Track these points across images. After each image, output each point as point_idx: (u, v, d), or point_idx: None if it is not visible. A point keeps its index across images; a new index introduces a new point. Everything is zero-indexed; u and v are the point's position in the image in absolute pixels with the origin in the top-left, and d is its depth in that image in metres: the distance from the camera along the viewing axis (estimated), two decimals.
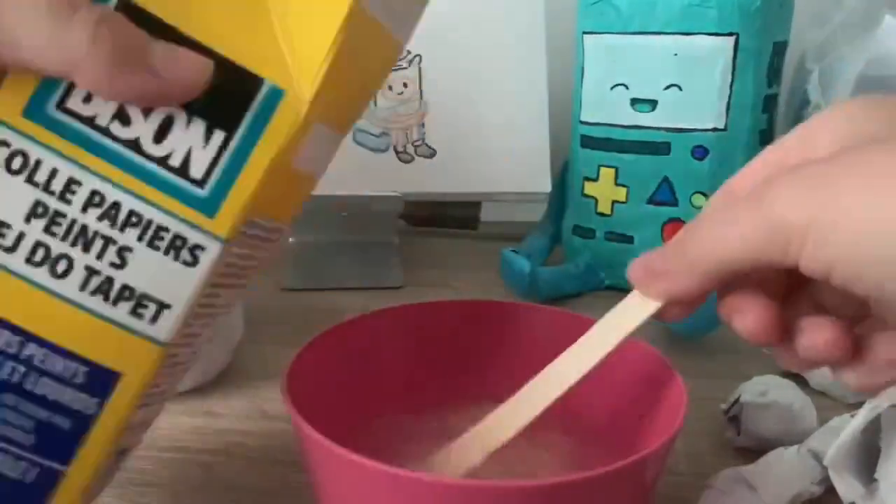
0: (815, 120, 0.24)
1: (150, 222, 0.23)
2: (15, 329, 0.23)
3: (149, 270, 0.23)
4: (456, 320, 0.36)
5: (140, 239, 0.23)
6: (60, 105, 0.23)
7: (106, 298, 0.23)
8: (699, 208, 0.53)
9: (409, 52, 0.62)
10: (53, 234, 0.23)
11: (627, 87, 0.53)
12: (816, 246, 0.21)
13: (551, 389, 0.29)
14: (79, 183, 0.23)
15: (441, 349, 0.36)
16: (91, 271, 0.23)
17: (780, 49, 0.54)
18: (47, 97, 0.23)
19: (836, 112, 0.24)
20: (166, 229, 0.23)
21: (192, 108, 0.23)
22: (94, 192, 0.23)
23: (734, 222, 0.22)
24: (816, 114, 0.24)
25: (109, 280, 0.23)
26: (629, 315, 0.27)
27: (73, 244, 0.23)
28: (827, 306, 0.25)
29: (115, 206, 0.23)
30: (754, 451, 0.36)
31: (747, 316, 0.24)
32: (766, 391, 0.37)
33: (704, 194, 0.53)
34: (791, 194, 0.21)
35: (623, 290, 0.27)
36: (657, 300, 0.26)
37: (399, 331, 0.36)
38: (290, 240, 0.63)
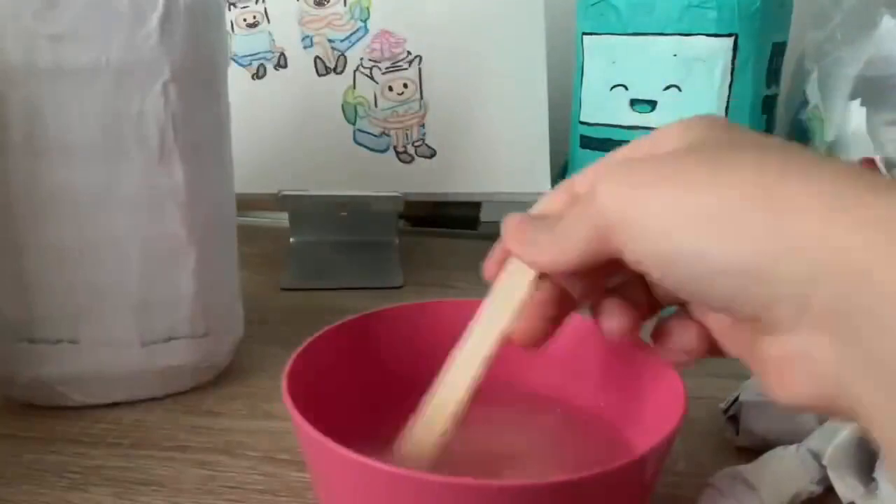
0: (669, 125, 0.25)
1: None
2: None
3: None
4: (455, 320, 0.36)
5: None
6: None
7: None
8: None
9: (409, 53, 0.62)
10: None
11: (627, 88, 0.53)
12: (628, 241, 0.23)
13: (473, 367, 0.29)
14: None
15: (440, 349, 0.36)
16: None
17: (779, 50, 0.54)
18: None
19: (685, 120, 0.25)
20: None
21: None
22: None
23: (578, 217, 0.24)
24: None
25: None
26: (516, 285, 0.28)
27: None
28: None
29: None
30: (753, 450, 0.36)
31: (612, 319, 0.28)
32: None
33: None
34: (610, 190, 0.23)
35: None
36: (530, 267, 0.27)
37: (399, 331, 0.36)
38: (291, 240, 0.64)
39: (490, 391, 0.30)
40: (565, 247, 0.25)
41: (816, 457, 0.33)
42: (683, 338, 0.27)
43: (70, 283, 0.38)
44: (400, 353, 0.36)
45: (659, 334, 0.28)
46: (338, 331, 0.34)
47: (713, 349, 0.27)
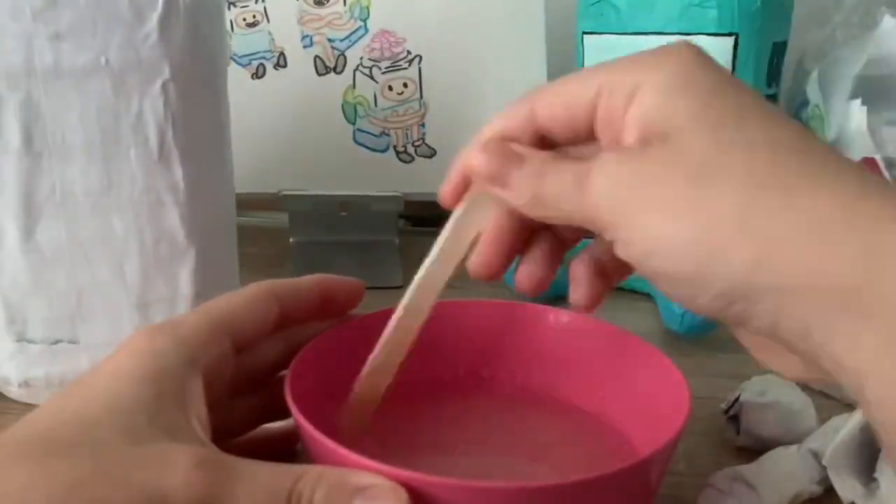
0: (647, 61, 0.24)
1: None
2: None
3: None
4: (455, 320, 0.36)
5: None
6: None
7: None
8: None
9: (409, 53, 0.62)
10: None
11: None
12: (621, 244, 0.23)
13: (426, 298, 0.30)
14: None
15: (441, 348, 0.36)
16: None
17: (779, 49, 0.54)
18: None
19: (666, 72, 0.23)
20: None
21: None
22: None
23: (569, 194, 0.24)
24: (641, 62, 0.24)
25: None
26: (476, 220, 0.28)
27: None
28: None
29: None
30: (754, 450, 0.36)
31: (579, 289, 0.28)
32: (766, 391, 0.37)
33: None
34: (606, 190, 0.23)
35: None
36: (495, 199, 0.26)
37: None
38: (291, 240, 0.63)
39: (490, 390, 0.31)
40: (546, 205, 0.25)
41: (817, 457, 0.33)
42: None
43: (69, 284, 0.38)
44: None
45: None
46: (338, 330, 0.34)
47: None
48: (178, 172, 0.38)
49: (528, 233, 0.28)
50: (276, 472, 0.24)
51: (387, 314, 0.35)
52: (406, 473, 0.24)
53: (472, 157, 0.26)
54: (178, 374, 0.26)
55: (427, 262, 0.29)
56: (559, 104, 0.26)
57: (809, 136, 0.23)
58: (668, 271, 0.23)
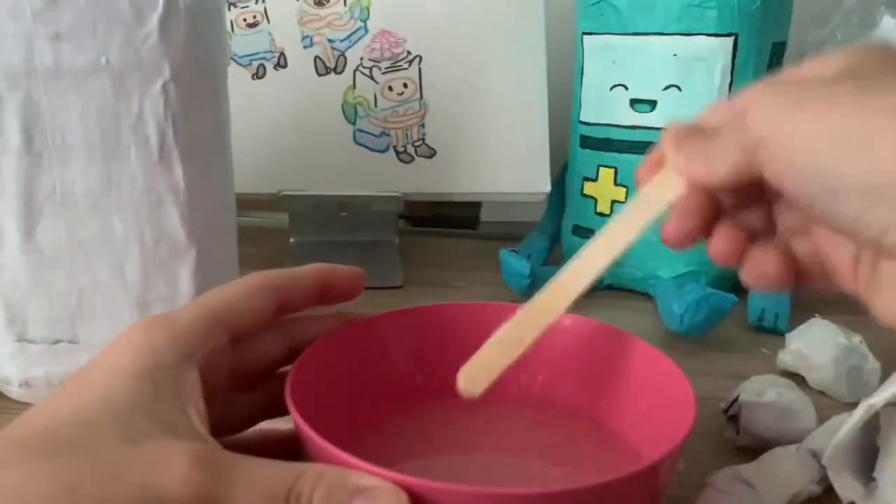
0: (830, 54, 0.26)
1: None
2: None
3: None
4: (460, 323, 0.36)
5: None
6: None
7: None
8: None
9: (409, 53, 0.63)
10: None
11: (627, 88, 0.53)
12: (773, 159, 0.24)
13: (598, 261, 0.30)
14: None
15: (442, 350, 0.36)
16: None
17: (778, 49, 0.54)
18: None
19: (853, 49, 0.25)
20: None
21: None
22: None
23: (730, 135, 0.25)
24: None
25: None
26: (658, 194, 0.29)
27: None
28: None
29: None
30: (753, 450, 0.36)
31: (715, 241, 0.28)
32: (765, 391, 0.37)
33: None
34: (759, 110, 0.24)
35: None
36: (681, 176, 0.28)
37: (400, 333, 0.36)
38: (291, 240, 0.64)
39: (495, 393, 0.30)
40: (717, 163, 0.26)
41: (816, 456, 0.33)
42: (764, 263, 0.28)
43: (69, 284, 0.38)
44: (402, 355, 0.36)
45: (742, 261, 0.29)
46: (340, 334, 0.33)
47: (799, 277, 0.28)
48: (179, 172, 0.38)
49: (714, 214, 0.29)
50: (275, 469, 0.24)
51: (390, 317, 0.34)
52: (406, 478, 0.24)
53: (665, 135, 0.28)
54: (175, 368, 0.26)
55: (607, 226, 0.30)
56: None
57: None
58: (824, 170, 0.23)
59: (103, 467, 0.23)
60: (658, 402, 0.32)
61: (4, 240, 0.37)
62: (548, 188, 0.62)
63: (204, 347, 0.27)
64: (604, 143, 0.55)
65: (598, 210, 0.57)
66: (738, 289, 0.51)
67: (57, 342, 0.39)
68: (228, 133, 0.43)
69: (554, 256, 0.62)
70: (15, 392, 0.40)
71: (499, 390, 0.30)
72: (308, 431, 0.26)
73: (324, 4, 0.63)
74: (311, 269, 0.31)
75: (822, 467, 0.32)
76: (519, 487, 0.24)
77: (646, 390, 0.33)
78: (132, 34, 0.36)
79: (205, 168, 0.40)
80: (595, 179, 0.56)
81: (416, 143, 0.63)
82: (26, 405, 0.40)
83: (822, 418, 0.37)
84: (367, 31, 0.62)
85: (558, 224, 0.62)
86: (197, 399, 0.26)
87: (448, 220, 0.77)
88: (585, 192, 0.57)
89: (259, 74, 0.63)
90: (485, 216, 0.78)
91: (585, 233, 0.58)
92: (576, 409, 0.35)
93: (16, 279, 0.38)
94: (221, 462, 0.24)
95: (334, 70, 0.63)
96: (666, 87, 0.52)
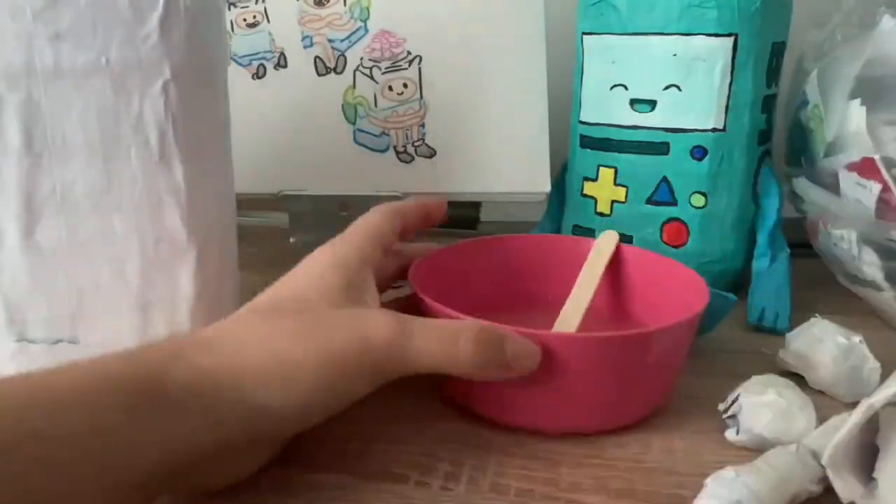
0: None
1: None
2: None
3: None
4: (518, 250, 0.50)
5: None
6: None
7: None
8: (698, 208, 0.53)
9: (408, 53, 0.63)
10: None
11: (627, 88, 0.53)
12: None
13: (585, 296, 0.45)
14: None
15: (525, 270, 0.50)
16: None
17: (778, 49, 0.54)
18: None
19: None
20: None
21: None
22: None
23: None
24: None
25: None
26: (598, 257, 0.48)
27: None
28: None
29: None
30: (753, 449, 0.36)
31: None
32: (765, 390, 0.37)
33: (703, 194, 0.53)
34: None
35: None
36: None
37: (483, 254, 0.49)
38: (291, 240, 0.64)
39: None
40: None
41: (816, 456, 0.33)
42: None
43: (69, 284, 0.38)
44: (484, 270, 0.49)
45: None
46: (442, 252, 0.46)
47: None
48: (179, 172, 0.38)
49: None
50: (442, 322, 0.34)
51: (477, 243, 0.50)
52: (541, 332, 0.35)
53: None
54: (357, 268, 0.36)
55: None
56: None
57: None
58: None
59: (325, 321, 0.32)
60: (679, 299, 0.42)
61: (4, 239, 0.37)
62: (548, 188, 0.62)
63: (373, 256, 0.37)
64: (604, 143, 0.55)
65: (598, 210, 0.57)
66: (738, 288, 0.51)
67: (57, 342, 0.39)
68: (229, 133, 0.43)
69: None
70: None
71: (547, 296, 0.48)
72: (435, 305, 0.37)
73: (324, 4, 0.63)
74: (416, 202, 0.43)
75: (822, 467, 0.32)
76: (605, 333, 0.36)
77: (671, 292, 0.44)
78: (132, 34, 0.36)
79: (205, 168, 0.40)
80: (595, 179, 0.56)
81: (416, 143, 0.63)
82: None
83: (821, 418, 0.37)
84: (367, 31, 0.63)
85: (558, 224, 0.62)
86: (373, 290, 0.36)
87: (448, 219, 0.77)
88: (585, 191, 0.57)
89: (259, 74, 0.63)
90: (485, 216, 0.77)
91: (585, 233, 0.58)
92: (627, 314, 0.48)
93: (16, 279, 0.38)
94: (404, 319, 0.33)
95: (334, 70, 0.63)
96: (666, 87, 0.52)
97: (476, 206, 0.77)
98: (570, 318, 0.44)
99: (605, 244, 0.48)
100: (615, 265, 0.48)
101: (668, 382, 0.40)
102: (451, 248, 0.48)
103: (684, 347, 0.40)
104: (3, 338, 0.39)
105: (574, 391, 0.36)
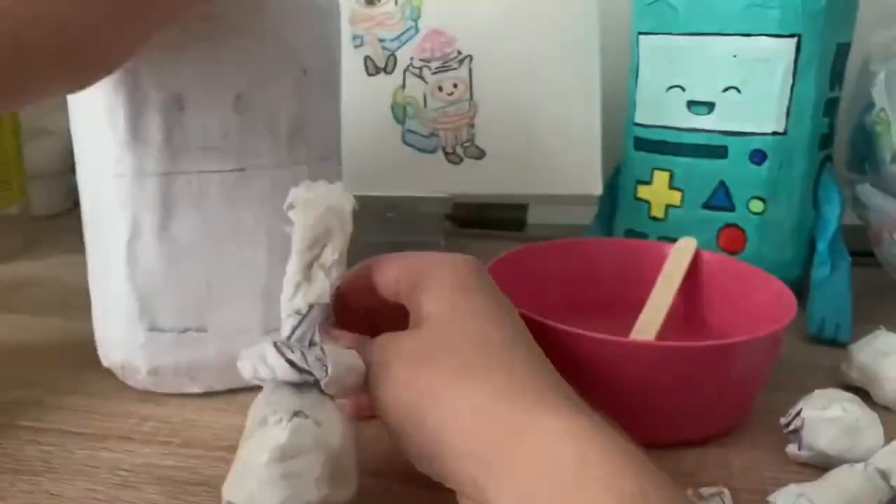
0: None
1: None
2: None
3: None
4: (593, 253, 0.50)
5: None
6: None
7: None
8: (757, 214, 0.52)
9: (459, 53, 0.62)
10: None
11: (684, 89, 0.52)
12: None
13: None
14: None
15: (586, 271, 0.49)
16: None
17: (843, 51, 0.52)
18: None
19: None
20: None
21: None
22: None
23: None
24: None
25: None
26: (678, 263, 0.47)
27: None
28: None
29: None
30: (815, 466, 0.35)
31: None
32: (829, 405, 0.36)
33: (762, 199, 0.51)
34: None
35: None
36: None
37: (559, 257, 0.49)
38: None
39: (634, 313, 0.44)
40: None
41: (885, 476, 0.32)
42: None
43: (200, 275, 0.39)
44: (559, 271, 0.48)
45: None
46: (519, 252, 0.46)
47: None
48: (304, 166, 0.39)
49: None
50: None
51: (551, 245, 0.49)
52: (620, 339, 0.36)
53: None
54: None
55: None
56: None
57: (507, 345, 0.30)
58: (390, 427, 0.29)
59: None
60: (766, 310, 0.41)
61: (142, 231, 0.38)
62: (599, 190, 0.61)
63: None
64: (659, 146, 0.54)
65: (652, 214, 0.55)
66: (797, 298, 0.50)
67: (186, 331, 0.40)
68: (340, 128, 0.44)
69: None
70: (142, 380, 0.41)
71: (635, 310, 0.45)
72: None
73: (375, 4, 0.62)
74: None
75: (891, 488, 0.31)
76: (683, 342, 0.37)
77: (758, 302, 0.43)
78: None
79: (327, 165, 0.41)
80: (649, 183, 0.55)
81: (466, 144, 0.62)
82: (146, 393, 0.41)
83: (888, 436, 0.35)
84: (417, 30, 0.62)
85: (610, 228, 0.61)
86: None
87: (494, 222, 0.76)
88: (639, 195, 0.56)
89: None
90: (532, 219, 0.77)
91: (638, 236, 0.56)
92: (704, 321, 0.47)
93: (150, 270, 0.39)
94: None
95: (384, 70, 0.62)
96: (725, 89, 0.51)
97: (523, 208, 0.76)
98: (648, 325, 0.43)
99: (683, 250, 0.47)
100: (693, 272, 0.47)
101: (750, 396, 0.39)
102: (524, 250, 0.47)
103: (769, 362, 0.39)
104: (135, 326, 0.39)
105: (651, 401, 0.36)
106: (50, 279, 0.59)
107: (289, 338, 0.31)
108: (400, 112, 0.62)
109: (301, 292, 0.31)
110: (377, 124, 0.62)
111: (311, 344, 0.30)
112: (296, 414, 0.27)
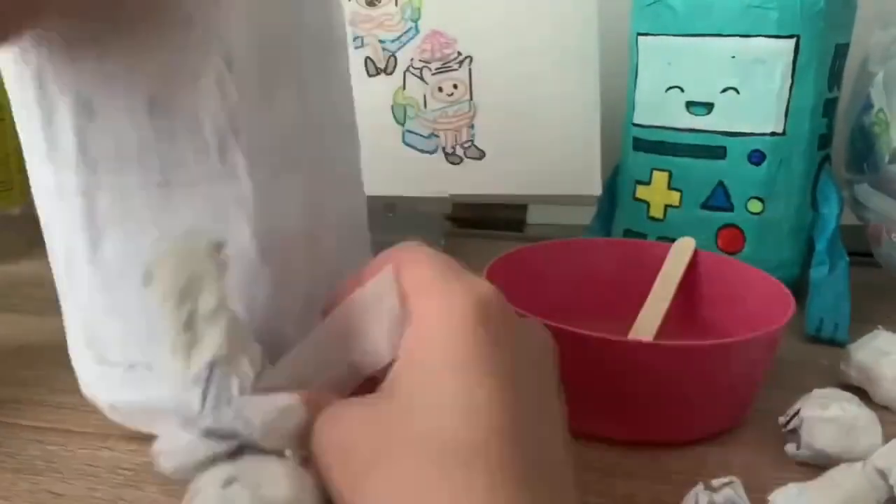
0: None
1: None
2: None
3: None
4: (591, 253, 0.50)
5: None
6: None
7: None
8: (755, 214, 0.52)
9: (459, 54, 0.62)
10: None
11: (683, 90, 0.52)
12: None
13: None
14: None
15: (584, 271, 0.49)
16: None
17: (841, 51, 0.52)
18: None
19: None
20: None
21: None
22: None
23: None
24: None
25: None
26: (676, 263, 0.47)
27: None
28: None
29: None
30: (814, 465, 0.35)
31: None
32: (828, 405, 0.36)
33: (761, 199, 0.51)
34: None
35: None
36: None
37: (558, 257, 0.49)
38: None
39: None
40: None
41: (884, 475, 0.32)
42: None
43: (136, 302, 0.31)
44: (561, 272, 0.48)
45: None
46: (517, 252, 0.46)
47: None
48: (247, 183, 0.32)
49: None
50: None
51: (552, 245, 0.49)
52: (619, 339, 0.37)
53: None
54: None
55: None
56: None
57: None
58: None
59: None
60: (764, 310, 0.41)
61: (74, 254, 0.34)
62: (598, 190, 0.61)
63: None
64: (658, 146, 0.54)
65: (651, 214, 0.55)
66: (796, 298, 0.50)
67: (133, 366, 0.34)
68: (331, 137, 0.40)
69: None
70: (108, 413, 0.37)
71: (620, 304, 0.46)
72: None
73: (375, 5, 0.63)
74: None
75: (891, 487, 0.31)
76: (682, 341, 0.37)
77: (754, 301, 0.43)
78: None
79: (287, 180, 0.34)
80: (648, 183, 0.55)
81: (465, 145, 0.62)
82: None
83: (887, 435, 0.35)
84: (417, 31, 0.62)
85: (609, 228, 0.61)
86: None
87: (494, 222, 0.77)
88: (637, 195, 0.56)
89: None
90: (531, 219, 0.77)
91: (637, 237, 0.57)
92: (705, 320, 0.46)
93: (89, 297, 0.34)
94: None
95: (384, 71, 0.63)
96: (723, 90, 0.51)
97: (522, 208, 0.77)
98: (647, 325, 0.43)
99: (682, 250, 0.47)
100: (692, 272, 0.47)
101: (749, 395, 0.39)
102: (524, 250, 0.47)
103: (767, 362, 0.39)
104: (87, 359, 0.36)
105: (650, 400, 0.36)
106: (50, 279, 0.59)
107: (201, 411, 0.26)
108: (400, 113, 0.63)
109: (193, 356, 0.26)
110: (377, 125, 0.62)
111: (228, 402, 0.26)
112: (227, 483, 0.23)
